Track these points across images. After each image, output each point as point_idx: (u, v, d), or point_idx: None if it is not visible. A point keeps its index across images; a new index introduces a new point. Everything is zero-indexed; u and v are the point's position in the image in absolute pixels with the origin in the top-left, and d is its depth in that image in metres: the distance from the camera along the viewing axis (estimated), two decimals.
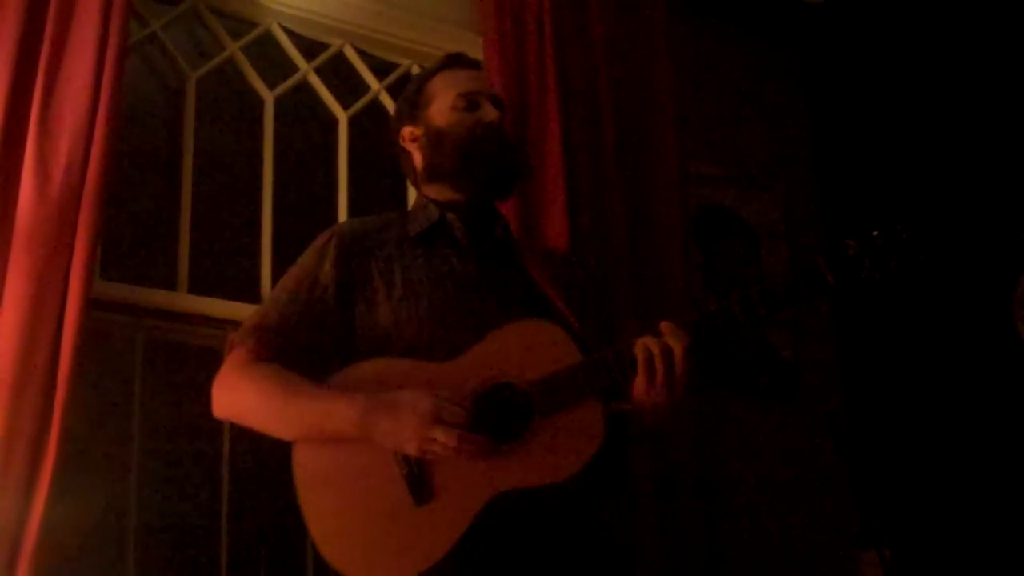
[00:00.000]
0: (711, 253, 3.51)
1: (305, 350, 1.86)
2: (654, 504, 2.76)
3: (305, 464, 1.75)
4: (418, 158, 2.07)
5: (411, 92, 2.12)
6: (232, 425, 2.61)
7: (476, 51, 3.04)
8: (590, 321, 2.00)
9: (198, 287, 2.69)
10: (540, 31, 3.04)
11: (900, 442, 3.38)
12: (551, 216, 2.84)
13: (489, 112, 2.01)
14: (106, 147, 2.33)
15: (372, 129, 3.16)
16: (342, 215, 2.95)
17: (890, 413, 3.39)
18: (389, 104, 3.18)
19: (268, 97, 2.98)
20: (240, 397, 1.83)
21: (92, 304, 2.28)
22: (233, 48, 2.96)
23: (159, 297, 2.61)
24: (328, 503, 1.71)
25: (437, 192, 2.04)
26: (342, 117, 3.09)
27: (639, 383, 1.74)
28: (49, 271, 2.20)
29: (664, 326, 1.75)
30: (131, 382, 2.55)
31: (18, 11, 2.33)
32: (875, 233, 1.77)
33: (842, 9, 3.68)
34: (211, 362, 1.88)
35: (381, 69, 3.20)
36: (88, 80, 2.35)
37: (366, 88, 3.17)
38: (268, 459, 2.52)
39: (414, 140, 2.08)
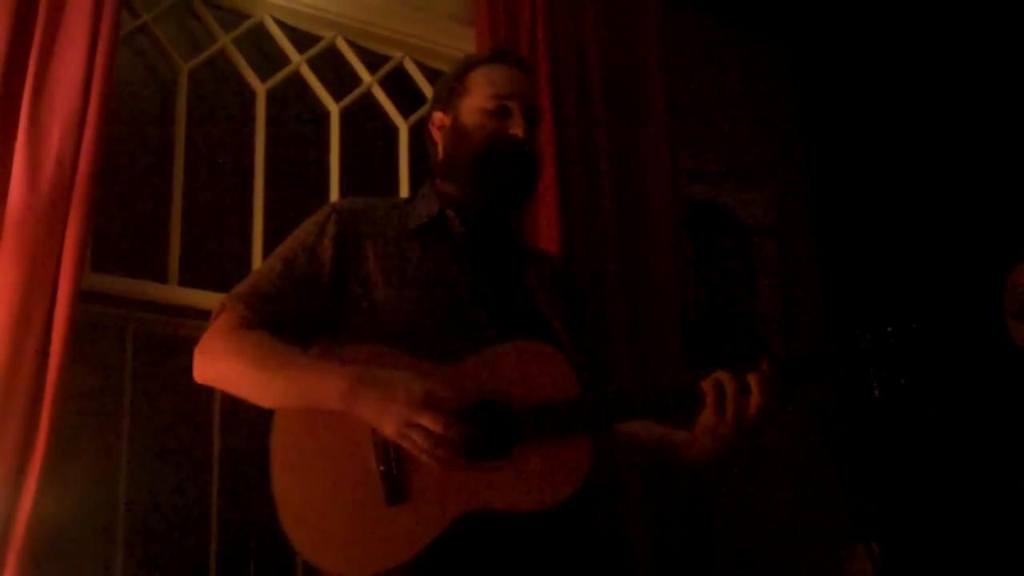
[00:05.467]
0: (702, 249, 3.51)
1: (293, 322, 1.82)
2: (645, 499, 2.78)
3: (283, 441, 1.73)
4: (439, 148, 2.03)
5: (452, 77, 2.04)
6: (222, 416, 2.62)
7: (468, 45, 3.04)
8: (583, 340, 1.99)
9: (189, 279, 2.69)
10: (533, 25, 3.05)
11: (889, 435, 3.39)
12: (542, 212, 2.85)
13: (516, 124, 1.93)
14: (97, 138, 2.33)
15: (364, 122, 3.16)
16: None
17: (879, 406, 3.39)
18: (381, 97, 3.18)
19: (260, 89, 2.97)
20: (226, 362, 1.79)
21: (82, 296, 2.28)
22: (225, 40, 2.96)
23: (150, 289, 2.61)
24: (299, 484, 1.69)
25: (448, 187, 1.99)
26: (334, 110, 3.08)
27: (707, 416, 1.73)
28: (39, 263, 2.20)
29: (751, 367, 1.74)
30: (121, 374, 2.55)
31: (10, 2, 2.33)
32: (889, 329, 1.78)
33: (835, 5, 3.68)
34: None
35: (373, 62, 3.20)
36: (79, 71, 2.35)
37: (358, 81, 3.16)
38: (258, 450, 2.52)
39: (440, 128, 2.02)
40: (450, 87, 2.02)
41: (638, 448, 1.97)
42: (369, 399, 1.66)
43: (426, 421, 1.62)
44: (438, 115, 2.03)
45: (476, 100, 1.96)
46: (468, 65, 2.03)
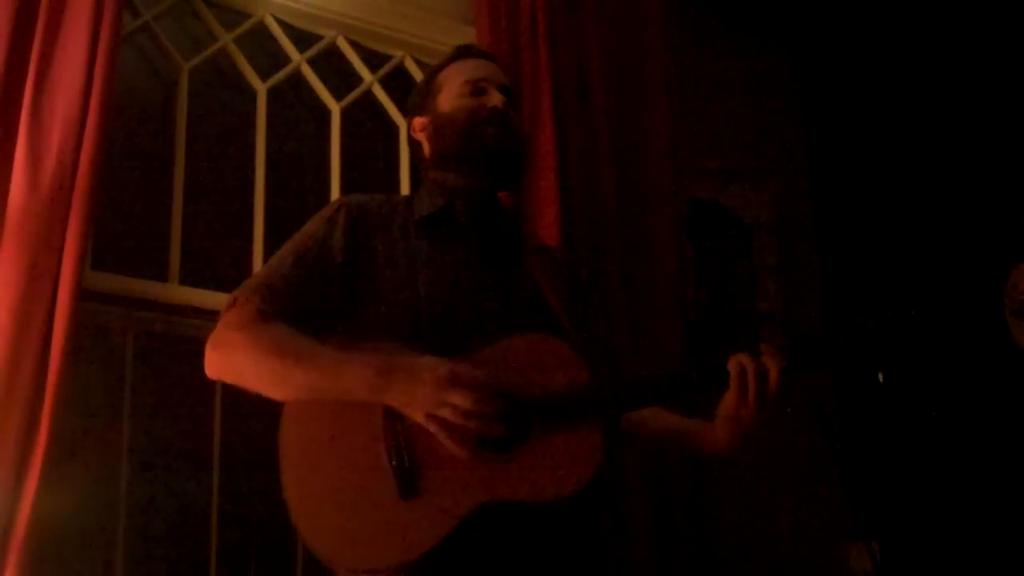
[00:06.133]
0: (703, 248, 3.51)
1: (306, 315, 1.82)
2: (645, 498, 2.78)
3: (292, 437, 1.73)
4: (426, 147, 2.07)
5: (422, 84, 2.13)
6: (223, 416, 2.62)
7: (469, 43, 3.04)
8: (588, 330, 1.99)
9: (190, 278, 2.69)
10: (533, 24, 3.05)
11: (889, 434, 3.39)
12: (543, 208, 2.85)
13: (493, 97, 2.00)
14: (98, 138, 2.33)
15: (364, 121, 3.16)
16: None
17: (879, 405, 3.40)
18: (382, 96, 3.18)
19: (261, 88, 2.97)
20: (244, 354, 1.78)
21: (83, 295, 2.28)
22: (226, 39, 2.96)
23: (150, 288, 2.61)
24: (311, 479, 1.69)
25: (443, 176, 2.02)
26: (335, 108, 3.08)
27: (730, 398, 1.75)
28: (40, 262, 2.20)
29: (763, 346, 1.76)
30: (122, 373, 2.55)
31: (10, 1, 2.33)
32: (890, 314, 1.80)
33: (836, 4, 3.68)
34: (202, 354, 1.85)
35: (374, 61, 3.20)
36: (80, 70, 2.35)
37: (359, 80, 3.16)
38: (259, 451, 2.53)
39: (423, 129, 2.07)
40: (422, 93, 2.10)
41: (655, 438, 1.98)
42: (396, 386, 1.67)
43: (455, 398, 1.63)
44: (417, 120, 2.09)
45: (450, 91, 2.03)
46: (435, 70, 2.11)
